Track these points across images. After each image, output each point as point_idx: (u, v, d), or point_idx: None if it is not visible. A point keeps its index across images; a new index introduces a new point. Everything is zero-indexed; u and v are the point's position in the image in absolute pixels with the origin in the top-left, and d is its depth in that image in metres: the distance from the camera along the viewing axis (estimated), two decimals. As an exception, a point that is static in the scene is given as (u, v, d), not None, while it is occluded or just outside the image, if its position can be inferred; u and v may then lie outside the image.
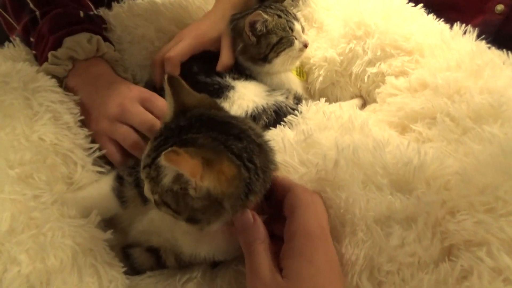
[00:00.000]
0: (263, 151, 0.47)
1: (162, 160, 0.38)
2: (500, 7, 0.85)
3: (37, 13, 0.71)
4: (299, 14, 0.81)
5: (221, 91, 0.71)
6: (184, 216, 0.44)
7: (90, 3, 0.82)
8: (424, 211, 0.47)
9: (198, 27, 0.77)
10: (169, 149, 0.38)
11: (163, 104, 0.62)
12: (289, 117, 0.63)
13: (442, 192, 0.49)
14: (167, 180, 0.42)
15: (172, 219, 0.47)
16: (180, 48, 0.74)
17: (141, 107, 0.63)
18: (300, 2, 0.86)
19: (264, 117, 0.68)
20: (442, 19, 0.75)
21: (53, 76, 0.67)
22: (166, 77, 0.49)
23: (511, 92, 0.58)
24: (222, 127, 0.45)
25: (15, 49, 0.74)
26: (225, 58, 0.75)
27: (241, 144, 0.44)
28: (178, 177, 0.41)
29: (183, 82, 0.50)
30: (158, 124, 0.60)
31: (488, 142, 0.53)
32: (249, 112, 0.68)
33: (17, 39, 0.75)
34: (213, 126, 0.45)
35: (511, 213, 0.44)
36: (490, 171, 0.48)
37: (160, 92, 0.67)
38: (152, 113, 0.63)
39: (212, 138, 0.43)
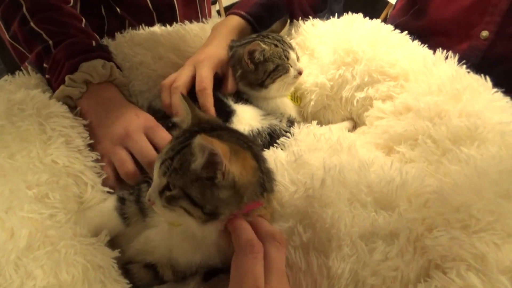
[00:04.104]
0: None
1: (198, 139, 0.43)
2: (485, 33, 0.89)
3: (50, 42, 0.78)
4: (293, 43, 0.86)
5: (229, 115, 0.75)
6: (207, 208, 0.46)
7: (95, 34, 0.88)
8: (406, 227, 0.51)
9: (206, 52, 0.80)
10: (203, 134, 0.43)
11: (165, 136, 0.68)
12: (282, 139, 0.67)
13: (422, 209, 0.53)
14: (198, 164, 0.45)
15: (166, 233, 0.53)
16: (204, 72, 0.76)
17: (144, 136, 0.67)
18: (293, 31, 0.91)
19: (259, 140, 0.72)
20: (432, 44, 0.78)
21: (65, 101, 0.73)
22: (180, 95, 0.60)
23: (487, 115, 0.62)
24: (240, 134, 0.56)
25: (25, 76, 0.79)
26: (231, 85, 0.81)
27: (257, 149, 0.53)
28: (209, 161, 0.44)
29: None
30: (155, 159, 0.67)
31: (465, 163, 0.57)
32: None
33: (29, 66, 0.81)
34: (232, 132, 0.54)
35: (483, 230, 0.48)
36: (465, 191, 0.52)
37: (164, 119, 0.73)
38: (153, 141, 0.67)
39: (235, 138, 0.52)
